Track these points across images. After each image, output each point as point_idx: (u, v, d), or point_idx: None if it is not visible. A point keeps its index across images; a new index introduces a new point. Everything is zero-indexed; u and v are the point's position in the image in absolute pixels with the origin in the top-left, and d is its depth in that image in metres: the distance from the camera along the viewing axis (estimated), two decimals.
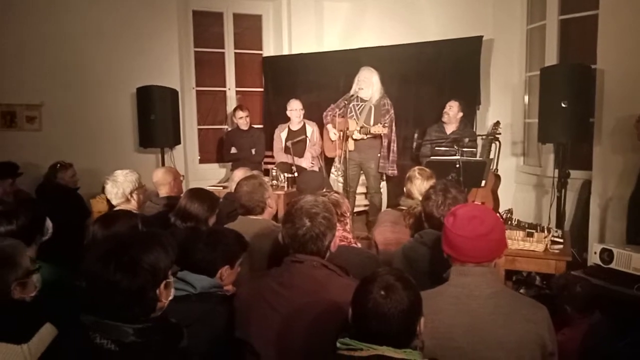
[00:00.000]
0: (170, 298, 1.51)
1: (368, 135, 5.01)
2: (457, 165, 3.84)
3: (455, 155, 4.07)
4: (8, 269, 1.80)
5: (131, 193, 3.12)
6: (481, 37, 5.21)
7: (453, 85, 5.37)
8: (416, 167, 3.21)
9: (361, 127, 5.00)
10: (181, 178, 3.85)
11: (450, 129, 5.05)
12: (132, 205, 3.13)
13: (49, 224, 2.53)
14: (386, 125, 4.95)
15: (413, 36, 5.61)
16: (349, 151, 4.94)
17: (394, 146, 5.15)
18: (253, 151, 5.78)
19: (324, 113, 5.33)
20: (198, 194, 2.92)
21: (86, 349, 1.37)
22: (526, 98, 5.35)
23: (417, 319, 1.40)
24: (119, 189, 3.09)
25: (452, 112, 4.99)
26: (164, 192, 3.63)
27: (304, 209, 1.82)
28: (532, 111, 5.16)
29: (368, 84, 5.05)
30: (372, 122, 5.05)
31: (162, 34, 5.90)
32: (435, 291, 1.70)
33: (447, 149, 4.67)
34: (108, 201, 3.44)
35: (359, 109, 5.13)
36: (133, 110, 5.70)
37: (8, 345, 1.69)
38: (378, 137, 5.06)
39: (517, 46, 5.31)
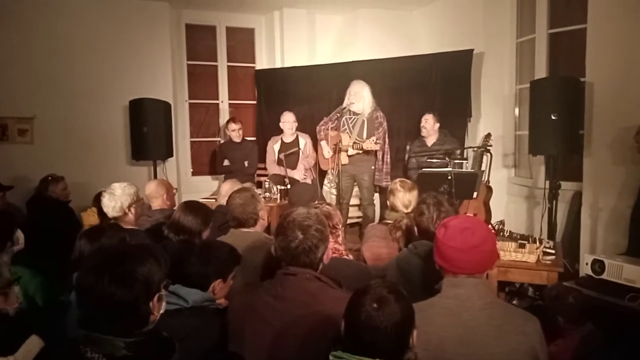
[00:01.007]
0: (162, 311, 1.50)
1: (361, 151, 5.03)
2: (449, 177, 3.86)
3: (446, 167, 4.09)
4: None
5: (129, 207, 3.10)
6: (472, 50, 5.27)
7: (444, 97, 5.41)
8: (397, 180, 3.22)
9: (354, 143, 5.02)
10: (174, 191, 3.84)
11: (430, 141, 5.12)
12: (129, 219, 3.11)
13: (19, 234, 2.54)
14: (379, 141, 4.97)
15: (405, 49, 5.67)
16: (343, 164, 4.95)
17: (387, 158, 5.17)
18: (246, 163, 5.79)
19: (318, 127, 5.35)
20: (192, 207, 2.91)
21: None
22: (517, 110, 5.39)
23: (410, 331, 1.40)
24: (116, 202, 3.07)
25: (429, 124, 5.07)
26: (156, 204, 3.61)
27: (296, 222, 1.81)
28: (523, 123, 5.20)
29: (359, 98, 5.08)
30: (365, 136, 5.07)
31: (155, 47, 5.92)
32: (427, 303, 1.70)
33: (434, 160, 4.70)
34: (99, 214, 3.42)
35: (351, 123, 5.15)
36: (125, 123, 5.69)
37: None
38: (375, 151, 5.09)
39: (507, 59, 5.36)
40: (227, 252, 2.12)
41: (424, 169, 4.41)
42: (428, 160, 4.78)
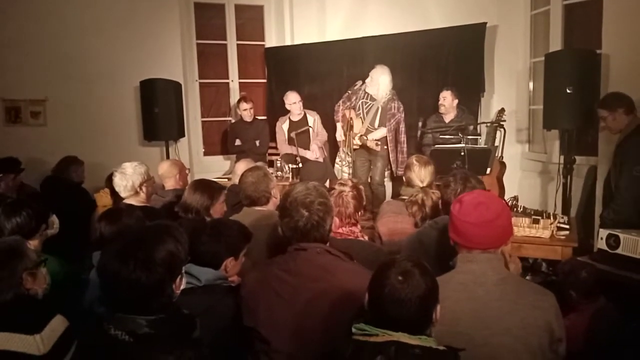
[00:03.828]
0: (181, 289, 1.53)
1: (365, 142, 5.01)
2: (462, 153, 3.83)
3: (459, 143, 4.06)
4: (17, 260, 1.85)
5: (140, 185, 3.13)
6: (485, 23, 5.17)
7: (457, 72, 5.34)
8: (414, 155, 3.22)
9: (360, 135, 4.99)
10: (187, 171, 3.86)
11: (448, 117, 5.05)
12: (141, 198, 3.14)
13: (54, 219, 2.59)
14: (379, 142, 4.96)
15: (416, 24, 5.58)
16: (359, 148, 4.96)
17: (403, 147, 5.15)
18: (257, 143, 5.79)
19: (335, 107, 5.31)
20: (198, 184, 2.95)
21: (100, 339, 1.39)
22: (531, 84, 5.32)
23: (433, 305, 1.41)
24: (128, 181, 3.10)
25: (447, 102, 5.00)
26: (169, 185, 3.64)
27: (298, 200, 1.82)
28: (537, 98, 5.13)
29: (375, 83, 5.05)
30: (377, 124, 5.07)
31: (164, 26, 5.89)
32: (442, 278, 1.70)
33: (450, 137, 4.67)
34: (112, 195, 3.46)
35: (366, 108, 5.13)
36: (137, 104, 5.71)
37: (21, 335, 1.72)
38: (389, 140, 5.07)
39: (521, 32, 5.27)
40: (237, 230, 2.14)
41: (436, 146, 4.39)
42: (441, 137, 4.75)
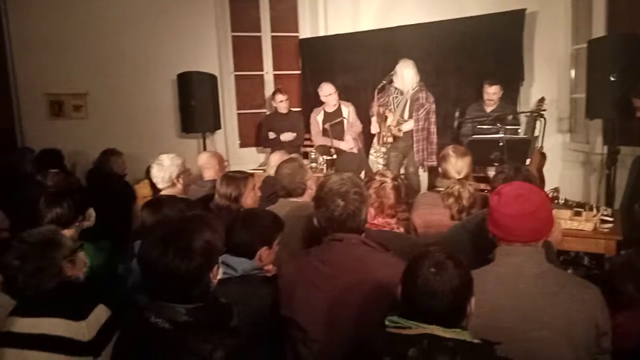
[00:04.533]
0: (218, 279, 1.56)
1: (396, 134, 4.97)
2: (501, 144, 3.75)
3: (497, 133, 3.97)
4: (55, 249, 1.93)
5: (177, 177, 3.19)
6: (524, 10, 5.03)
7: (494, 61, 5.21)
8: (450, 146, 3.15)
9: (389, 126, 4.96)
10: (225, 163, 3.93)
11: (489, 108, 4.94)
12: (177, 189, 3.20)
13: (91, 211, 2.68)
14: (401, 128, 4.92)
15: (452, 12, 5.46)
16: (393, 141, 4.95)
17: (433, 137, 5.08)
18: (291, 136, 5.79)
19: (371, 104, 5.30)
20: (224, 177, 2.99)
21: (141, 327, 1.43)
22: (572, 72, 5.15)
23: (467, 298, 1.39)
24: (165, 172, 3.17)
25: (497, 96, 4.89)
26: (208, 175, 3.72)
27: (333, 190, 1.83)
28: (579, 86, 4.97)
29: (400, 77, 5.01)
30: (406, 116, 5.01)
31: (200, 19, 5.97)
32: (480, 271, 1.68)
33: (489, 127, 4.57)
34: (152, 186, 3.54)
35: (396, 102, 5.09)
36: (174, 96, 5.81)
37: (68, 321, 1.79)
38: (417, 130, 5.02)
39: (562, 18, 5.10)
40: (270, 220, 2.15)
41: (474, 136, 4.31)
42: (480, 127, 4.66)
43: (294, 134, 5.68)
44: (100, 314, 1.87)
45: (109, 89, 5.65)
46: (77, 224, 2.57)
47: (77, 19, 5.49)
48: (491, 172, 3.81)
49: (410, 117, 5.00)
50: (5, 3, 5.41)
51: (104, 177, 4.75)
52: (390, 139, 5.01)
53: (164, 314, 1.41)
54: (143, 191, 4.42)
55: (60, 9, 5.46)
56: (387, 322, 1.38)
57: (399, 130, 4.98)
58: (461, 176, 2.84)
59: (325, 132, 5.33)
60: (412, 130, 5.00)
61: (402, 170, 5.36)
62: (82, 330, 1.79)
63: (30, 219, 2.47)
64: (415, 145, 5.01)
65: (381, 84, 5.04)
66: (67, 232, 2.52)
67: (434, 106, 5.04)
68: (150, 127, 5.76)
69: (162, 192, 3.18)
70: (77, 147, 5.31)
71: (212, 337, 1.40)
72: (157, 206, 2.39)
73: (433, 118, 5.06)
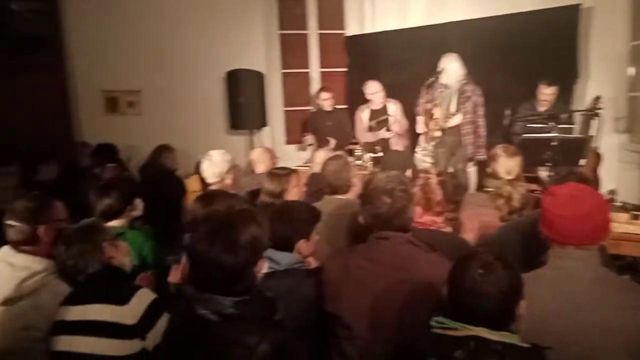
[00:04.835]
0: (262, 272, 1.58)
1: (445, 127, 4.88)
2: (554, 143, 3.62)
3: (550, 132, 3.83)
4: (97, 233, 2.05)
5: (226, 172, 3.28)
6: (578, 5, 4.84)
7: (548, 58, 5.04)
8: (500, 145, 3.07)
9: (436, 119, 4.88)
10: (276, 159, 4.02)
11: (543, 108, 4.78)
12: (226, 185, 3.28)
13: (139, 202, 2.80)
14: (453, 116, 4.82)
15: (503, 7, 5.32)
16: (441, 134, 4.87)
17: (481, 131, 4.97)
18: (332, 142, 5.75)
19: (418, 101, 5.24)
20: (272, 172, 3.04)
21: (189, 317, 1.47)
22: (630, 70, 4.92)
23: (516, 301, 1.36)
24: (215, 168, 3.25)
25: (552, 97, 4.73)
26: (260, 169, 3.82)
27: (379, 187, 1.82)
28: (638, 84, 4.75)
29: (445, 72, 4.93)
30: (453, 110, 4.92)
31: (248, 18, 6.05)
32: (531, 274, 1.63)
33: (542, 126, 4.42)
34: (201, 181, 3.63)
35: (443, 97, 5.01)
36: (223, 94, 5.93)
37: (113, 306, 1.87)
38: (465, 123, 4.92)
39: (619, 13, 4.88)
40: (305, 212, 2.16)
41: (524, 135, 4.18)
42: (531, 125, 4.52)
43: (335, 141, 5.62)
44: (143, 297, 1.94)
45: (161, 86, 5.82)
46: (126, 213, 2.71)
47: (132, 18, 5.68)
48: (542, 173, 3.69)
49: (457, 111, 4.90)
50: (64, 4, 5.67)
51: (157, 171, 4.91)
52: (438, 134, 4.93)
53: (211, 306, 1.44)
54: (192, 186, 4.51)
55: (116, 9, 5.67)
56: (432, 323, 1.37)
57: (448, 120, 4.88)
58: (511, 177, 2.77)
59: (371, 130, 5.30)
60: (459, 125, 4.91)
61: (450, 169, 5.28)
62: (126, 314, 1.86)
63: (86, 211, 2.59)
64: (463, 138, 4.92)
65: (429, 81, 4.97)
66: (118, 222, 2.66)
67: (481, 99, 4.93)
68: (199, 123, 5.90)
69: (211, 187, 3.26)
70: (130, 142, 5.51)
71: (257, 330, 1.43)
72: (208, 200, 2.45)
73: (481, 111, 4.95)
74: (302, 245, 2.08)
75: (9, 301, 2.03)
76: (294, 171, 3.10)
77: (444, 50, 5.21)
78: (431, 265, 1.74)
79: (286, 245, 2.05)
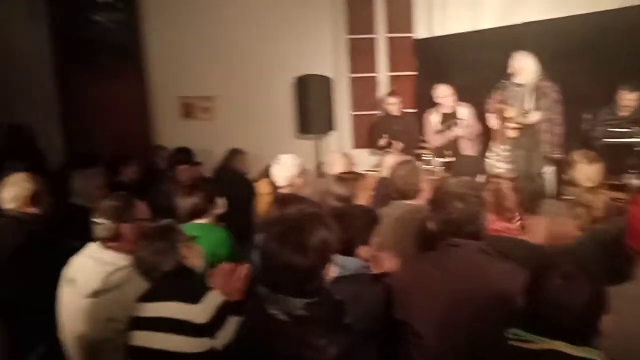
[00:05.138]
0: (331, 276, 1.60)
1: (523, 124, 4.69)
2: (638, 149, 3.40)
3: (633, 137, 3.60)
4: (173, 234, 2.14)
5: (297, 177, 3.34)
6: None
7: (630, 61, 4.72)
8: (578, 151, 2.91)
9: (510, 121, 4.70)
10: (353, 165, 4.10)
11: (625, 114, 4.49)
12: (296, 189, 3.34)
13: (221, 200, 2.93)
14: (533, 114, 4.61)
15: (582, 7, 5.05)
16: (516, 136, 4.70)
17: (558, 129, 4.75)
18: (399, 145, 5.69)
19: (487, 101, 5.10)
20: (340, 177, 3.07)
21: (261, 317, 1.50)
22: None
23: (599, 315, 1.29)
24: (286, 172, 3.34)
25: (635, 104, 4.43)
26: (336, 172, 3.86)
27: (451, 192, 1.77)
28: None
29: (519, 70, 4.73)
30: (527, 108, 4.72)
31: (317, 23, 6.14)
32: (618, 289, 1.54)
33: (625, 130, 4.16)
34: (271, 184, 3.72)
35: (516, 96, 4.83)
36: (292, 99, 6.04)
37: (186, 305, 1.95)
38: (543, 121, 4.71)
39: None
40: (363, 215, 2.16)
41: (605, 139, 3.95)
42: (612, 130, 4.26)
43: (402, 145, 5.57)
44: (214, 298, 2.00)
45: (233, 93, 6.03)
46: (210, 212, 2.84)
47: (207, 28, 5.92)
48: (633, 180, 3.48)
49: (533, 108, 4.71)
50: (144, 15, 6.00)
51: (229, 174, 5.08)
52: (513, 134, 4.74)
53: (282, 307, 1.47)
54: (263, 189, 4.62)
55: (192, 20, 5.94)
56: (509, 335, 1.32)
57: (525, 117, 4.69)
58: (592, 184, 2.63)
59: (440, 134, 5.21)
60: (536, 125, 4.71)
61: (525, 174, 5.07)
62: (198, 313, 1.93)
63: (164, 211, 2.72)
64: (541, 136, 4.72)
65: (501, 82, 4.81)
66: (204, 220, 2.80)
67: (559, 96, 4.70)
68: (269, 128, 6.04)
69: (281, 191, 3.33)
70: (204, 147, 5.73)
71: (327, 332, 1.44)
72: (283, 203, 2.51)
73: (558, 108, 4.72)
74: (362, 250, 2.07)
75: (96, 294, 2.18)
76: (362, 176, 3.10)
77: (517, 52, 5.04)
78: (505, 275, 1.69)
79: (346, 250, 2.05)
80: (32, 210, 3.03)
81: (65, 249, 2.53)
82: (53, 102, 6.25)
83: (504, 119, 4.65)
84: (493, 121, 4.93)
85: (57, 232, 2.97)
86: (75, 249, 2.39)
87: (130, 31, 6.15)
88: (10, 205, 2.97)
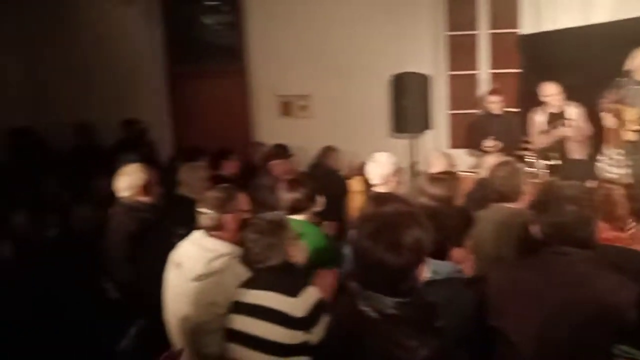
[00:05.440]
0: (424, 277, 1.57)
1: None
2: None
3: None
4: (283, 230, 2.19)
5: (391, 175, 3.33)
6: None
7: None
8: None
9: (629, 123, 4.30)
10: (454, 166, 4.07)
11: None
12: (391, 187, 3.32)
13: (320, 198, 2.98)
14: None
15: None
16: (635, 139, 4.32)
17: None
18: (499, 144, 5.44)
19: (601, 100, 4.74)
20: (436, 177, 3.00)
21: (352, 312, 1.52)
22: None
23: None
24: (381, 170, 3.33)
25: None
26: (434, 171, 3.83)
27: (562, 195, 1.66)
28: None
29: (637, 65, 4.33)
30: None
31: (416, 19, 6.03)
32: None
33: None
34: (365, 182, 3.73)
35: (635, 95, 4.43)
36: (388, 97, 6.01)
37: (285, 297, 2.02)
38: None
39: None
40: (456, 217, 2.12)
41: None
42: None
43: (500, 144, 5.32)
44: (312, 294, 2.06)
45: (329, 91, 6.11)
46: (310, 209, 2.90)
47: (305, 30, 6.06)
48: None
49: None
50: (249, 16, 6.26)
51: (323, 171, 5.17)
52: (631, 136, 4.36)
53: (373, 304, 1.48)
54: (356, 186, 4.65)
55: (291, 21, 6.11)
56: (616, 352, 1.23)
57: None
58: None
59: (546, 134, 4.92)
60: None
61: None
62: (296, 306, 2.00)
63: (260, 204, 2.84)
64: None
65: (617, 80, 4.44)
66: (303, 217, 2.86)
67: None
68: (364, 126, 6.05)
69: (375, 189, 3.33)
70: (300, 143, 5.88)
71: (417, 334, 1.43)
72: (379, 201, 2.53)
73: None
74: (455, 252, 2.02)
75: (199, 277, 2.33)
76: (456, 176, 3.03)
77: (635, 48, 4.64)
78: (613, 288, 1.57)
79: (439, 251, 2.01)
80: (144, 198, 3.30)
81: (173, 235, 2.72)
82: (164, 99, 6.74)
83: (622, 120, 4.28)
84: (609, 121, 4.56)
85: (166, 220, 3.20)
86: (181, 236, 2.57)
87: (235, 32, 6.46)
88: (124, 193, 3.26)
